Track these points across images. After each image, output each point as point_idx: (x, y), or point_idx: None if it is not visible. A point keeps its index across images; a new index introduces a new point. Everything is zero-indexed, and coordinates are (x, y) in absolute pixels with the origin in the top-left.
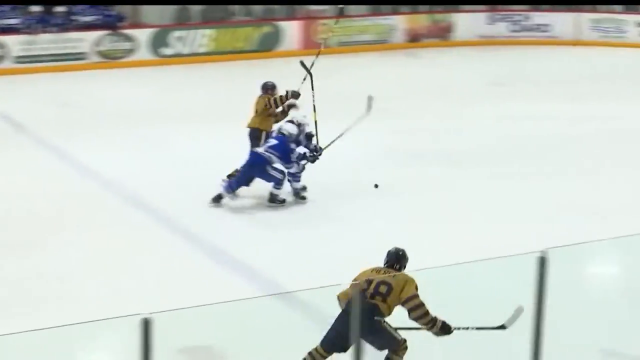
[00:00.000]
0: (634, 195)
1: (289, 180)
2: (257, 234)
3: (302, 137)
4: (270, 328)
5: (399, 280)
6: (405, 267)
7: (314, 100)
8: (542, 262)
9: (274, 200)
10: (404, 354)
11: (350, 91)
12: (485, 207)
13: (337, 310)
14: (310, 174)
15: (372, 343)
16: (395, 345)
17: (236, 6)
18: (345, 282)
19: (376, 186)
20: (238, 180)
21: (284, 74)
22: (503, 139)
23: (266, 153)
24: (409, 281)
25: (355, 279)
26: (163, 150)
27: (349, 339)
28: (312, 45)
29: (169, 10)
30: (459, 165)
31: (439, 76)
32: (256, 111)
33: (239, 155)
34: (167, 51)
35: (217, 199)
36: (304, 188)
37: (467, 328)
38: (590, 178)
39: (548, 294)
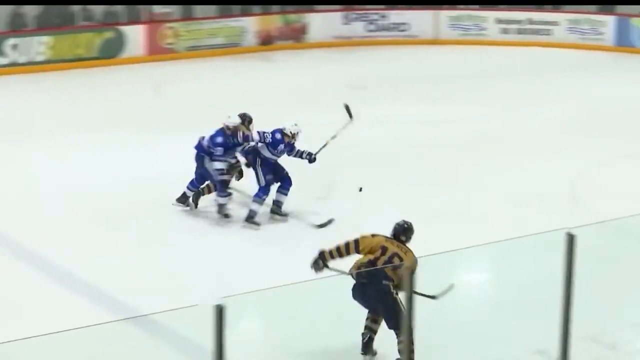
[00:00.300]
0: (497, 200)
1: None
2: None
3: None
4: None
5: (410, 258)
6: (410, 239)
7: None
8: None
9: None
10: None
11: (199, 99)
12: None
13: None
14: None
15: (382, 312)
16: (399, 323)
17: (76, 8)
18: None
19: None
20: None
21: (128, 81)
22: (365, 144)
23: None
24: (415, 263)
25: (366, 240)
26: None
27: (372, 300)
28: (158, 51)
29: (1, 16)
30: None
31: (294, 80)
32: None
33: (82, 167)
34: (1, 60)
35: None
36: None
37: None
38: (455, 182)
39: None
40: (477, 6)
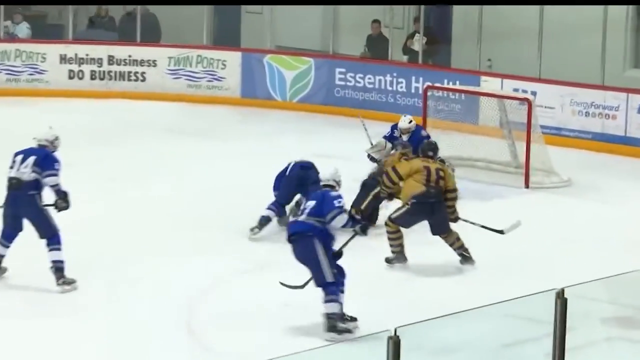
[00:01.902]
0: None
1: None
2: None
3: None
4: None
5: (445, 169)
6: (436, 154)
7: None
8: None
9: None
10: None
11: None
12: None
13: None
14: None
15: (437, 221)
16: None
17: None
18: None
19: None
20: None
21: None
22: None
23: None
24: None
25: (403, 166)
26: None
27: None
28: None
29: None
30: None
31: None
32: None
33: None
34: None
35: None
36: None
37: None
38: None
39: None
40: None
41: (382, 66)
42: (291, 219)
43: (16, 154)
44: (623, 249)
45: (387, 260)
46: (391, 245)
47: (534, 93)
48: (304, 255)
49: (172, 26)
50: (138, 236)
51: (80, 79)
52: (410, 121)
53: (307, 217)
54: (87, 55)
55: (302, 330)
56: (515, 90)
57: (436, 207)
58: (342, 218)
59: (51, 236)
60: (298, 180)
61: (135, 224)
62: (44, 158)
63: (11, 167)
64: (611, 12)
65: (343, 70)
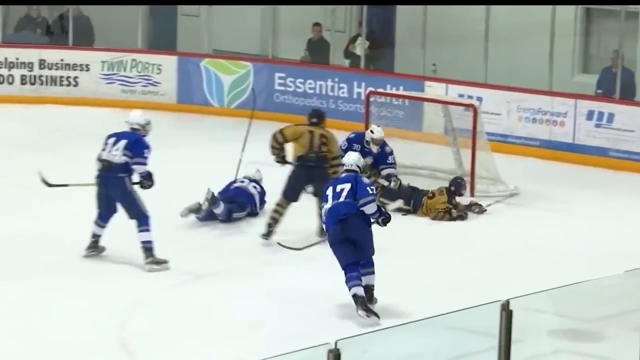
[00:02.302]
0: None
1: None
2: None
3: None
4: None
5: (328, 135)
6: (322, 121)
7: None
8: None
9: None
10: None
11: None
12: None
13: None
14: None
15: (317, 187)
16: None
17: None
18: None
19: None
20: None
21: None
22: None
23: None
24: (334, 138)
25: (290, 129)
26: None
27: (302, 185)
28: None
29: None
30: None
31: None
32: None
33: None
34: None
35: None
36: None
37: None
38: None
39: None
40: None
41: (323, 71)
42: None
43: (109, 137)
44: (571, 259)
45: (264, 236)
46: (270, 218)
47: (479, 99)
48: (359, 233)
49: (105, 29)
50: (70, 247)
51: (10, 83)
52: (372, 131)
53: (346, 200)
54: (17, 59)
55: (238, 344)
56: (461, 96)
57: (315, 172)
58: (373, 206)
59: (140, 218)
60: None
61: (66, 236)
62: (135, 143)
63: (103, 150)
64: (559, 16)
65: (283, 75)
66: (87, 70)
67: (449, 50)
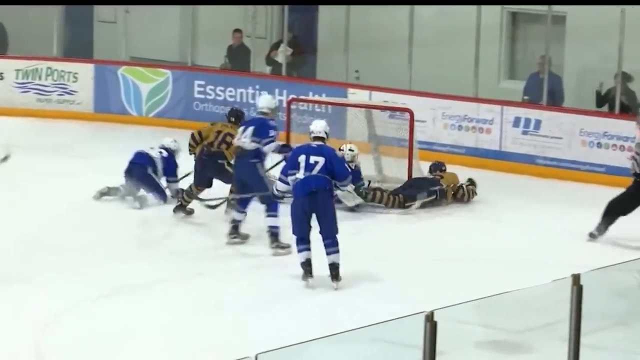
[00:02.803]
0: None
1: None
2: None
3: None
4: None
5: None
6: (239, 120)
7: None
8: None
9: None
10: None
11: None
12: None
13: None
14: None
15: (221, 180)
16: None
17: None
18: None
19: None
20: None
21: None
22: None
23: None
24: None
25: (204, 130)
26: None
27: (206, 175)
28: None
29: None
30: None
31: None
32: None
33: None
34: None
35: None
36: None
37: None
38: None
39: None
40: None
41: (244, 78)
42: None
43: (241, 124)
44: (498, 268)
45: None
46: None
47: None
48: (327, 209)
49: (20, 36)
50: None
51: None
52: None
53: (319, 174)
54: None
55: (157, 356)
56: (385, 102)
57: (205, 163)
58: (350, 186)
59: (270, 203)
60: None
61: None
62: (260, 127)
63: (237, 138)
64: (485, 21)
65: (202, 82)
66: (1, 78)
67: (372, 56)
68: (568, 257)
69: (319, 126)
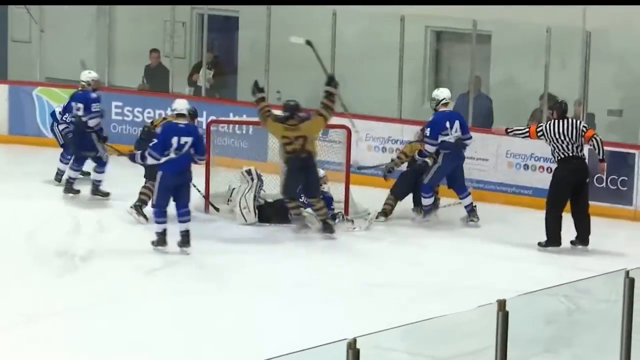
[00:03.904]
0: None
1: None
2: None
3: None
4: None
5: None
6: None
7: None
8: None
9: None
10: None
11: None
12: None
13: None
14: None
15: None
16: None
17: None
18: None
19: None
20: None
21: None
22: None
23: None
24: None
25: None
26: None
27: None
28: None
29: None
30: None
31: None
32: None
33: None
34: None
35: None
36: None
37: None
38: None
39: None
40: None
41: (163, 99)
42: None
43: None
44: (423, 293)
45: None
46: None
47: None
48: (186, 184)
49: None
50: None
51: None
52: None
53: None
54: None
55: None
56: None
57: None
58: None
59: (99, 163)
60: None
61: None
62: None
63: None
64: (408, 40)
65: (119, 104)
66: None
67: (294, 75)
68: (493, 282)
69: (181, 104)
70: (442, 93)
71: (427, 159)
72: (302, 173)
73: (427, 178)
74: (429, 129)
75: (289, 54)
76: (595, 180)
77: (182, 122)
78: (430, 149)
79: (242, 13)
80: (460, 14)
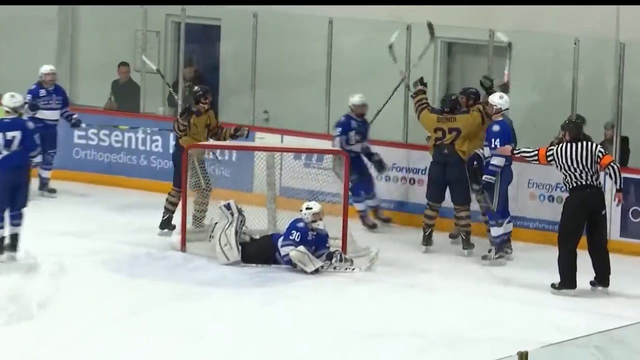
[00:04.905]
0: None
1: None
2: None
3: None
4: None
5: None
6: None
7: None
8: None
9: None
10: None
11: None
12: None
13: None
14: None
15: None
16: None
17: None
18: None
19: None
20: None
21: None
22: None
23: None
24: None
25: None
26: None
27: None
28: None
29: None
30: None
31: None
32: None
33: None
34: None
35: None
36: None
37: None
38: None
39: None
40: None
41: (133, 120)
42: None
43: None
44: (431, 343)
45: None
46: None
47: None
48: (24, 183)
49: None
50: None
51: None
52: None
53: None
54: None
55: None
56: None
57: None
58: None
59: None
60: None
61: None
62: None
63: None
64: (415, 52)
65: (83, 125)
66: None
67: (283, 94)
68: (512, 330)
69: (6, 99)
70: (506, 100)
71: (493, 177)
72: (443, 171)
73: (495, 202)
74: (497, 139)
75: (279, 68)
76: (630, 213)
77: (8, 117)
78: (500, 162)
79: (224, 21)
80: (475, 23)
